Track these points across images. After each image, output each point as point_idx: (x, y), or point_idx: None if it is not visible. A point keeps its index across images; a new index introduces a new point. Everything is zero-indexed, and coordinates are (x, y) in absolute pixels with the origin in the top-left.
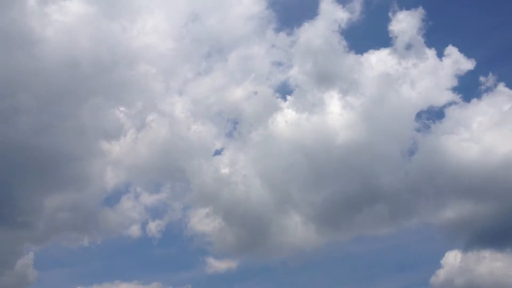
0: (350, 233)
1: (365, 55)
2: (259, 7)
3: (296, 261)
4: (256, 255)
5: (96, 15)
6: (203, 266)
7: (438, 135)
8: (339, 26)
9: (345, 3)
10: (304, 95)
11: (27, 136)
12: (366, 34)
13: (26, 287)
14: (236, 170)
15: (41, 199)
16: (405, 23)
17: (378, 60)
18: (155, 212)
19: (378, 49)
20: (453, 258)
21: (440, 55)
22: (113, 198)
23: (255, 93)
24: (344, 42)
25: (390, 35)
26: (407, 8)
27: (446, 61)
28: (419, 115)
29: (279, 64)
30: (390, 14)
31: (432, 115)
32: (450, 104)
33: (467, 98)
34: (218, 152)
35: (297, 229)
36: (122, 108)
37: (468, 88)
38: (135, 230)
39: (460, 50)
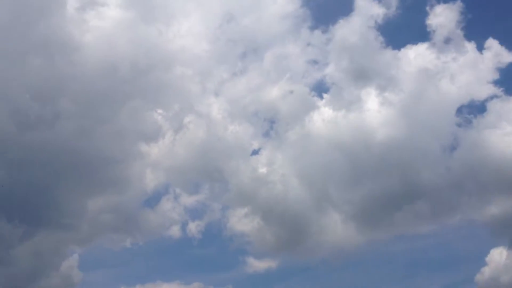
0: (390, 231)
1: (402, 50)
2: (294, 5)
3: (336, 260)
4: (296, 254)
5: (133, 19)
6: (243, 266)
7: (480, 129)
8: (375, 21)
9: None
10: (341, 93)
11: (68, 140)
12: (403, 29)
13: None
14: (273, 169)
15: (84, 201)
16: (443, 17)
17: (416, 55)
18: (195, 212)
19: (416, 44)
20: (498, 255)
21: (480, 48)
22: (153, 200)
23: (291, 92)
24: (380, 38)
25: (428, 29)
26: (445, 1)
27: (487, 54)
28: (459, 110)
29: (314, 62)
30: (427, 8)
31: (473, 110)
32: (491, 97)
33: (509, 91)
34: (255, 152)
35: (336, 228)
36: (159, 111)
37: (510, 81)
38: (175, 231)
39: (501, 43)
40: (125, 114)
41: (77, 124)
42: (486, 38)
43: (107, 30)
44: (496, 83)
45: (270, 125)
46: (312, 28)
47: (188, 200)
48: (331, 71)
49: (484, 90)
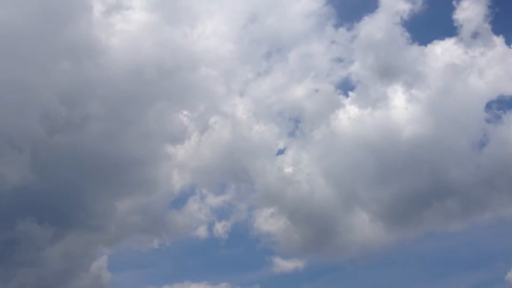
0: (420, 230)
1: (429, 46)
2: (318, 3)
3: (365, 260)
4: (323, 254)
5: (157, 22)
6: (270, 266)
7: (510, 125)
8: (401, 17)
9: None
10: (367, 90)
11: (97, 143)
12: (430, 25)
13: None
14: (299, 169)
15: (112, 203)
16: (470, 11)
17: (443, 51)
18: (221, 213)
19: (443, 39)
20: None
21: (508, 42)
22: (180, 201)
23: (316, 90)
24: (406, 34)
25: (455, 24)
26: None
27: None
28: (488, 105)
29: (339, 60)
30: (454, 2)
31: (502, 105)
32: None
33: None
34: (281, 152)
35: (364, 227)
36: (185, 112)
37: None
38: (202, 232)
39: None
40: (152, 116)
41: (104, 127)
42: None
43: (132, 33)
44: None
45: (295, 124)
46: (337, 25)
47: (215, 200)
48: (356, 69)
49: None
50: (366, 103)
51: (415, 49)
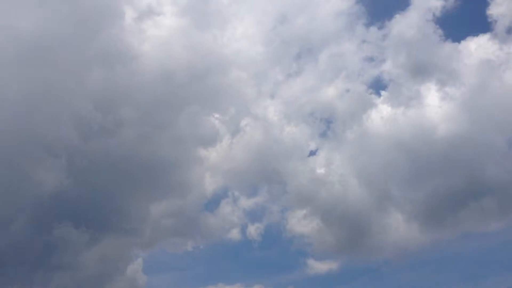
0: (456, 230)
1: (463, 42)
2: (348, 2)
3: (400, 261)
4: (357, 255)
5: (188, 27)
6: (304, 267)
7: None
8: (433, 14)
9: None
10: (399, 89)
11: (130, 147)
12: (463, 21)
13: None
14: (332, 169)
15: (147, 206)
16: (504, 6)
17: (477, 47)
18: (254, 215)
19: (477, 35)
20: None
21: None
22: (212, 203)
23: (348, 90)
24: (439, 31)
25: (489, 20)
26: None
27: None
28: None
29: (371, 59)
30: None
31: None
32: None
33: None
34: (313, 153)
35: (399, 228)
36: (216, 115)
37: None
38: (235, 234)
39: None
40: (183, 119)
41: (138, 131)
42: None
43: (163, 38)
44: None
45: (327, 125)
46: (368, 24)
47: (247, 202)
48: (388, 68)
49: None
50: (399, 102)
51: (449, 46)
